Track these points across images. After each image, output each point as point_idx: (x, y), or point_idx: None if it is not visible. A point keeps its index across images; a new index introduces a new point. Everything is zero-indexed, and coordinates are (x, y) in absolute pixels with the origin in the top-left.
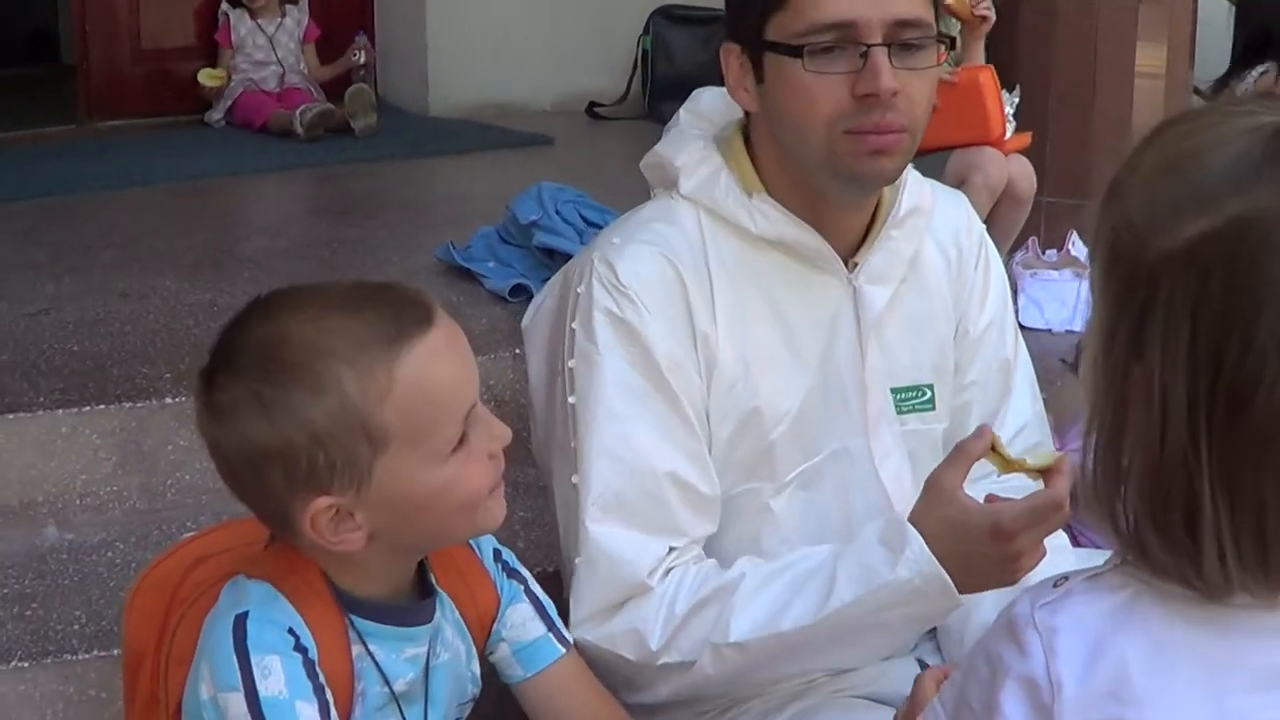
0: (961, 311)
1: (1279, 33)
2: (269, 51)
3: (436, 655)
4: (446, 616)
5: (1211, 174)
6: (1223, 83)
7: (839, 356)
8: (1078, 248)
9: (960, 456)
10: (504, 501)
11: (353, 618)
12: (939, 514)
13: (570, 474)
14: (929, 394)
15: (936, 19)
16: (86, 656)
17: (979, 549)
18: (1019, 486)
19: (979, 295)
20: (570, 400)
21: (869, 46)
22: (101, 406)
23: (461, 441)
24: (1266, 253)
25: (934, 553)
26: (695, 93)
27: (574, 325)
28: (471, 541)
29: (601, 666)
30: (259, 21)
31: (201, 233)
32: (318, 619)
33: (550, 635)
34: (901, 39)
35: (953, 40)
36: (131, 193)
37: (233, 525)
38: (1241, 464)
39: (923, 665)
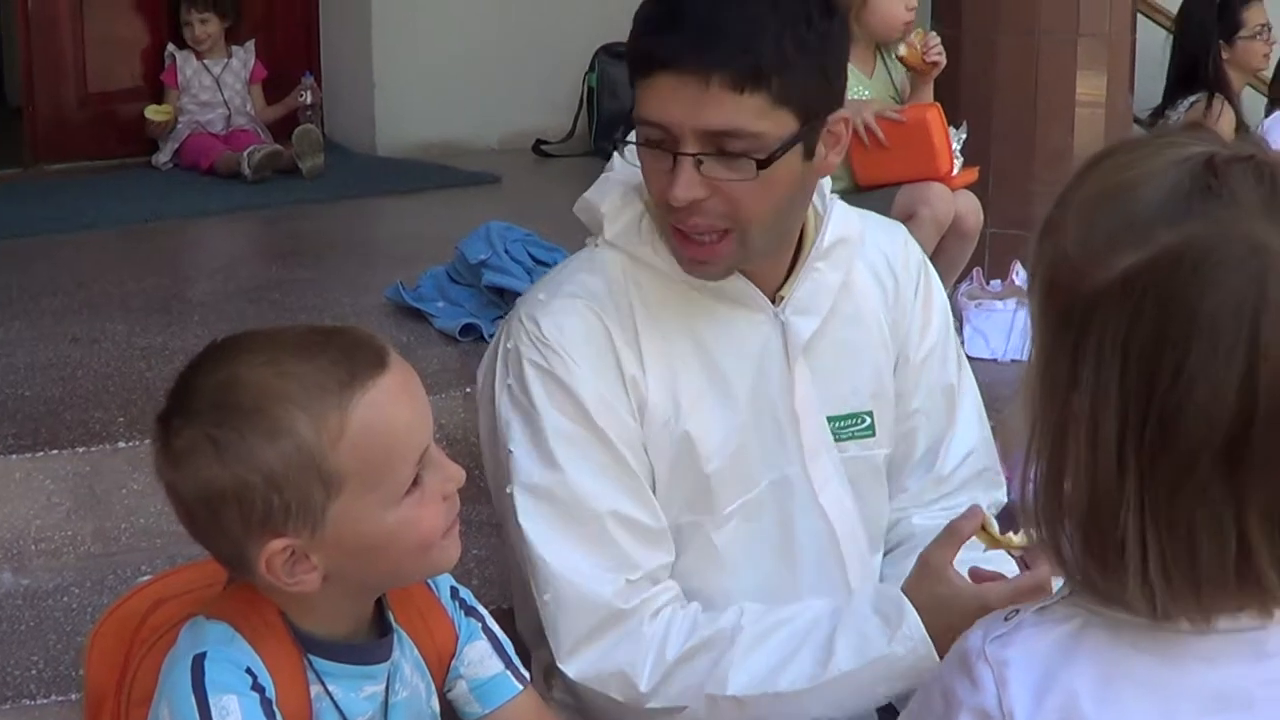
0: (902, 340)
1: (1205, 64)
2: (215, 92)
3: (395, 693)
4: (405, 655)
5: (1145, 206)
6: (1159, 112)
7: (770, 389)
8: (1022, 278)
9: (951, 536)
10: (459, 542)
11: (311, 657)
12: (930, 590)
13: (516, 521)
14: (868, 421)
15: (809, 121)
16: (45, 701)
17: (965, 626)
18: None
19: (919, 323)
20: (509, 450)
21: (676, 154)
22: (55, 451)
23: (415, 483)
24: (1198, 283)
25: (926, 626)
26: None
27: (508, 381)
28: (428, 580)
29: (591, 705)
30: (205, 62)
31: (151, 276)
32: (275, 658)
33: (508, 672)
34: (721, 148)
35: (811, 150)
36: (80, 236)
37: (192, 568)
38: (1172, 492)
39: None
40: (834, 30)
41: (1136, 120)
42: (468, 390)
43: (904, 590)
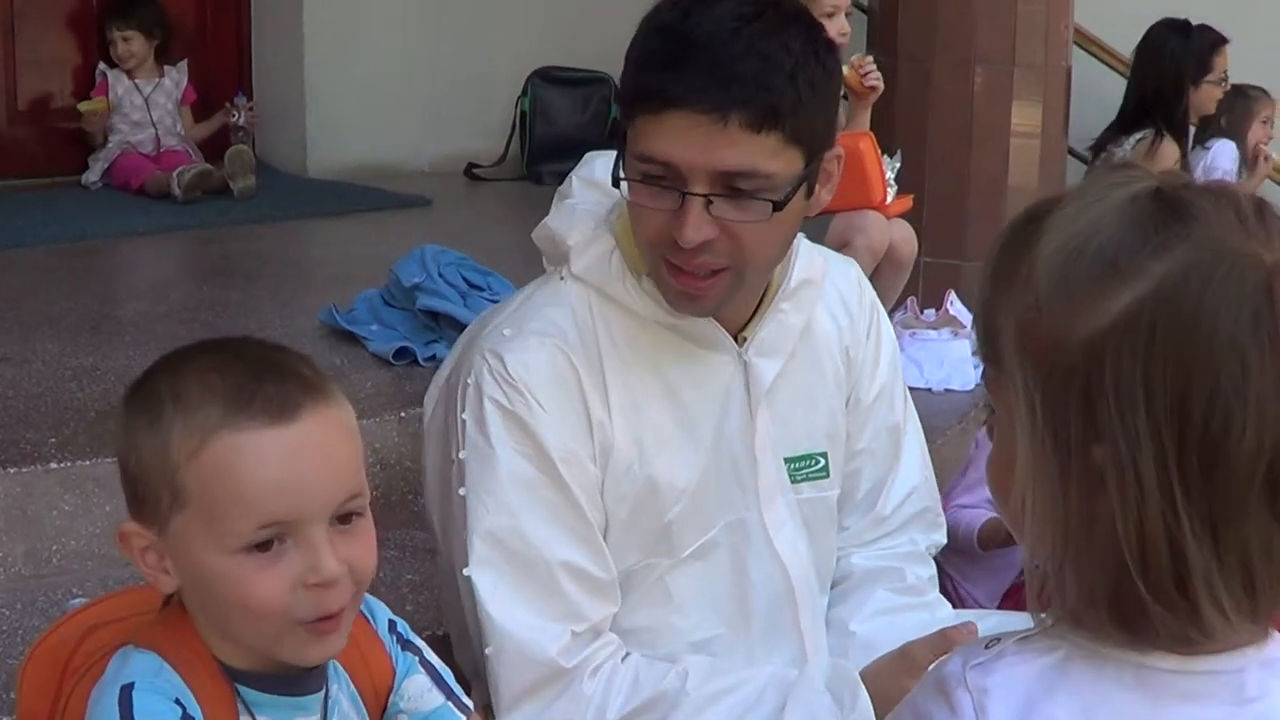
0: (854, 379)
1: (1171, 102)
2: (145, 113)
3: None
4: (343, 688)
5: (1119, 243)
6: (1101, 145)
7: (731, 430)
8: (956, 307)
9: (943, 642)
10: (331, 643)
11: (239, 687)
12: (899, 683)
13: (465, 566)
14: (823, 462)
15: (813, 159)
16: None
17: None
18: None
19: (870, 363)
20: (461, 492)
21: (685, 194)
22: None
23: (265, 548)
24: (1210, 303)
25: (879, 715)
26: (587, 157)
27: (464, 416)
28: (365, 611)
29: None
30: (136, 82)
31: (82, 296)
32: (205, 689)
33: (450, 704)
34: (733, 187)
35: (812, 188)
36: (9, 255)
37: (126, 594)
38: (1223, 513)
39: None
40: (834, 66)
41: (1075, 153)
42: (402, 415)
43: (870, 674)
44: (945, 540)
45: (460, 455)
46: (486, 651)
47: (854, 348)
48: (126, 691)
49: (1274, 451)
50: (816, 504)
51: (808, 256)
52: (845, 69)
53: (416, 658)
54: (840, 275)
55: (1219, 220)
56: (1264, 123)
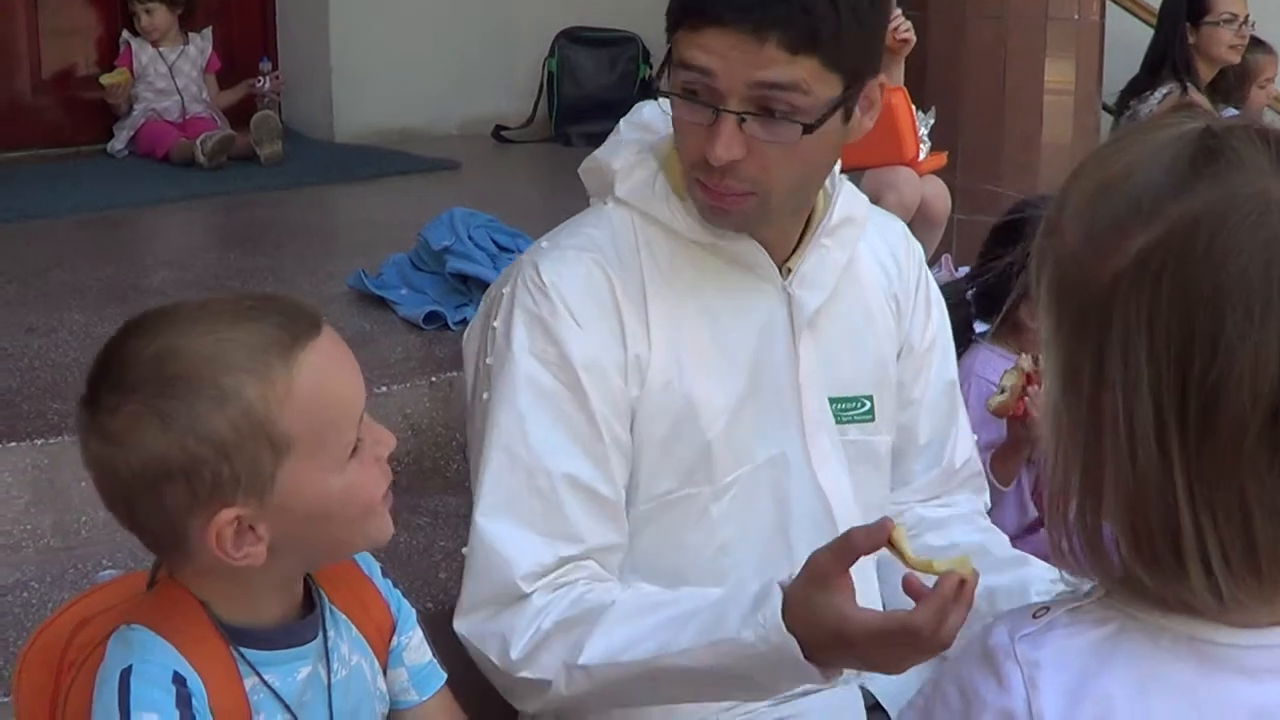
0: (905, 328)
1: (1171, 55)
2: (169, 81)
3: (334, 673)
4: (342, 634)
5: (1147, 185)
6: (1124, 100)
7: (774, 361)
8: None
9: (847, 548)
10: (390, 516)
11: (241, 650)
12: (805, 593)
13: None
14: (868, 405)
15: (853, 84)
16: (4, 700)
17: (825, 642)
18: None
19: (923, 312)
20: (484, 396)
21: (719, 110)
22: (12, 444)
23: (355, 447)
24: (1221, 247)
25: (796, 625)
26: (637, 106)
27: (495, 324)
28: (358, 559)
29: (477, 663)
30: (160, 50)
31: (108, 265)
32: (204, 658)
33: (434, 661)
34: (767, 106)
35: (849, 113)
36: (35, 225)
37: (113, 584)
38: (1220, 471)
39: (867, 694)
40: None
41: (1105, 108)
42: (433, 379)
43: (791, 583)
44: (989, 504)
45: (488, 360)
46: (464, 551)
47: (903, 296)
48: (125, 677)
49: (1272, 402)
50: (862, 447)
51: (850, 196)
52: None
53: (415, 610)
54: (887, 228)
55: (1252, 163)
56: (1261, 87)
